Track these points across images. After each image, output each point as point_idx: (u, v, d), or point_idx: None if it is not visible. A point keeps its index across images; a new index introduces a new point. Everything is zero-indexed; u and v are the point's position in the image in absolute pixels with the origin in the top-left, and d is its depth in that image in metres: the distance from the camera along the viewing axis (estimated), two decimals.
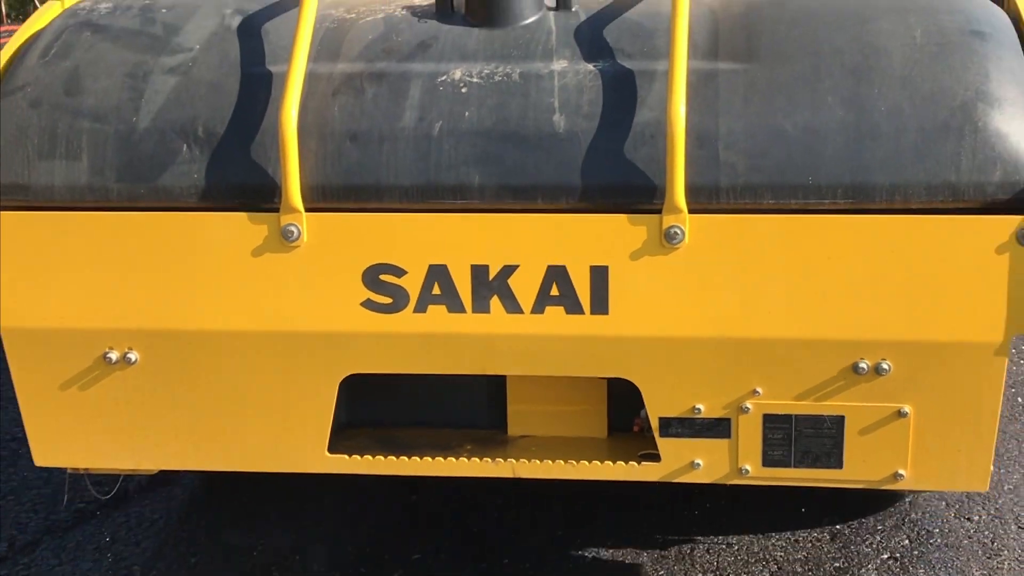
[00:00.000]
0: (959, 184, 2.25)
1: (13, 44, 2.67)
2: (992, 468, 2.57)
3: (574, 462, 2.58)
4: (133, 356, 2.56)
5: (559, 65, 2.44)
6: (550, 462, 2.58)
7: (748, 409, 2.47)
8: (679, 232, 2.33)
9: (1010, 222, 2.22)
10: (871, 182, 2.27)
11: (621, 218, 2.34)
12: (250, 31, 2.57)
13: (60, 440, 2.67)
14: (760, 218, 2.32)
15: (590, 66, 2.43)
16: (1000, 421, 2.68)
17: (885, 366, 2.38)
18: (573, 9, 2.57)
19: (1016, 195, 2.23)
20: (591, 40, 2.48)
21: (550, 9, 2.59)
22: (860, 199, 2.28)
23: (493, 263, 2.40)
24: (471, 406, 2.75)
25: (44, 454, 2.70)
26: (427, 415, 2.78)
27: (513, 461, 2.59)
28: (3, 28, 23.35)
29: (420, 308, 2.44)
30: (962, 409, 2.40)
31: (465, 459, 2.60)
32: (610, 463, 2.57)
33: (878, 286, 2.31)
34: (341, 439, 2.66)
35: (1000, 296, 2.27)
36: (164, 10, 2.66)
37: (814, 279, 2.33)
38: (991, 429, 2.42)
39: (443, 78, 2.45)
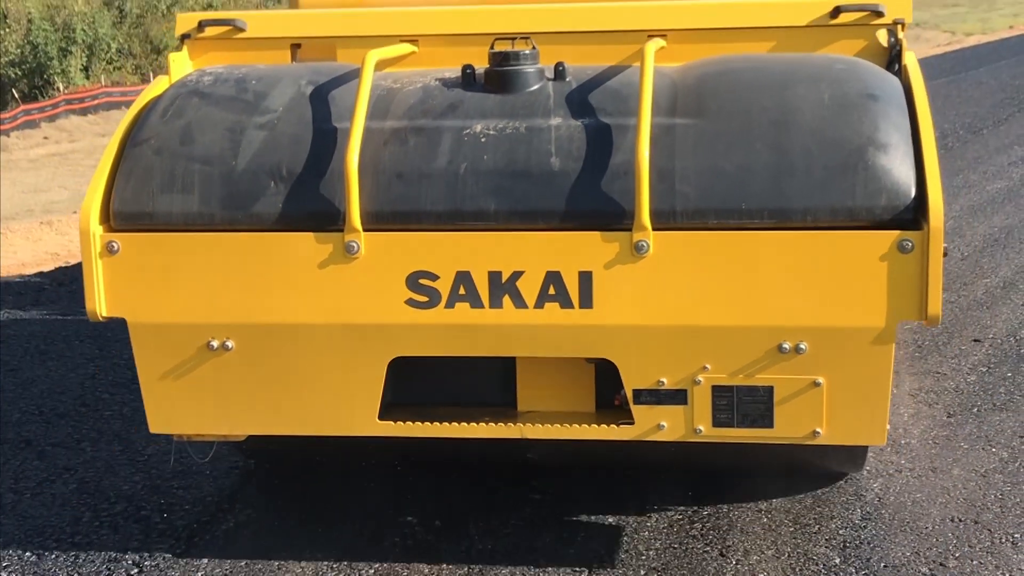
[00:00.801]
0: (854, 208, 2.94)
1: (136, 107, 3.42)
2: (888, 427, 3.22)
3: (568, 426, 3.26)
4: (230, 344, 3.24)
5: (555, 121, 3.15)
6: (550, 426, 3.27)
7: (700, 382, 3.13)
8: (645, 245, 2.99)
9: (892, 236, 2.91)
10: (789, 207, 2.96)
11: (603, 235, 3.02)
12: (320, 97, 3.31)
13: (171, 412, 3.37)
14: (707, 234, 3.00)
15: (578, 122, 3.14)
16: None
17: (803, 347, 3.05)
18: (567, 80, 3.27)
19: (896, 216, 2.92)
20: (580, 102, 3.20)
21: (549, 80, 3.28)
22: (781, 220, 2.97)
23: (505, 270, 3.08)
24: (489, 387, 3.44)
25: (158, 424, 3.40)
26: (454, 395, 3.45)
27: (521, 426, 3.28)
28: (19, 109, 23.86)
29: (449, 304, 3.11)
30: (862, 380, 3.07)
31: (484, 424, 3.28)
32: (596, 427, 3.25)
33: (796, 285, 2.99)
34: (387, 414, 3.31)
35: (886, 292, 2.95)
36: (254, 81, 3.38)
37: (747, 280, 3.01)
38: (884, 395, 3.10)
39: (467, 131, 3.16)
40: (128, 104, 25.12)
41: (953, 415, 4.54)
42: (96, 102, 28.32)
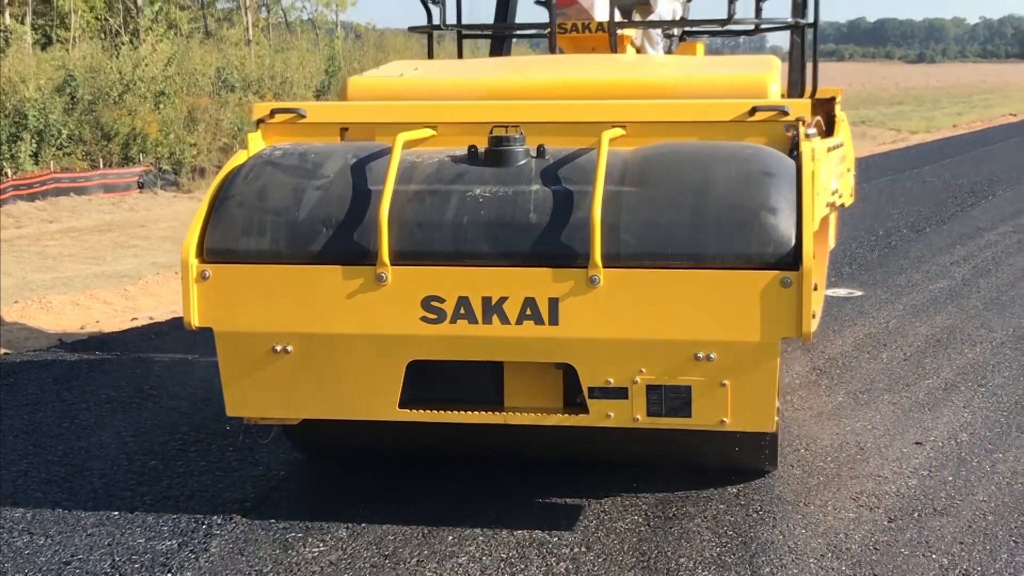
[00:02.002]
0: (750, 254, 3.96)
1: (223, 172, 4.48)
2: (777, 417, 4.22)
3: (541, 415, 4.31)
4: (289, 348, 4.24)
5: (535, 187, 4.18)
6: (527, 415, 4.31)
7: (637, 381, 4.12)
8: (597, 279, 3.99)
9: (776, 275, 3.91)
10: (703, 252, 3.98)
11: (566, 271, 4.03)
12: (361, 167, 4.35)
13: (243, 400, 4.38)
14: (643, 271, 4.00)
15: (552, 188, 4.17)
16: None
17: (712, 356, 4.04)
18: (546, 157, 4.29)
19: (779, 260, 3.94)
20: (553, 174, 4.23)
21: (533, 157, 4.30)
22: (697, 262, 3.98)
23: (494, 295, 4.08)
24: (483, 387, 4.42)
25: (234, 409, 4.40)
26: (457, 394, 4.41)
27: (506, 414, 4.32)
28: (7, 183, 23.76)
29: (453, 321, 4.11)
30: (755, 381, 4.07)
31: (479, 413, 4.32)
32: (562, 415, 4.30)
33: (708, 310, 3.98)
34: (405, 405, 4.30)
35: (772, 315, 3.94)
36: (312, 155, 4.43)
37: (673, 305, 3.99)
38: (772, 393, 4.11)
39: (469, 193, 4.18)
40: (77, 190, 25.09)
41: (894, 520, 4.55)
42: (44, 188, 28.19)
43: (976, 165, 20.03)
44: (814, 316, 5.66)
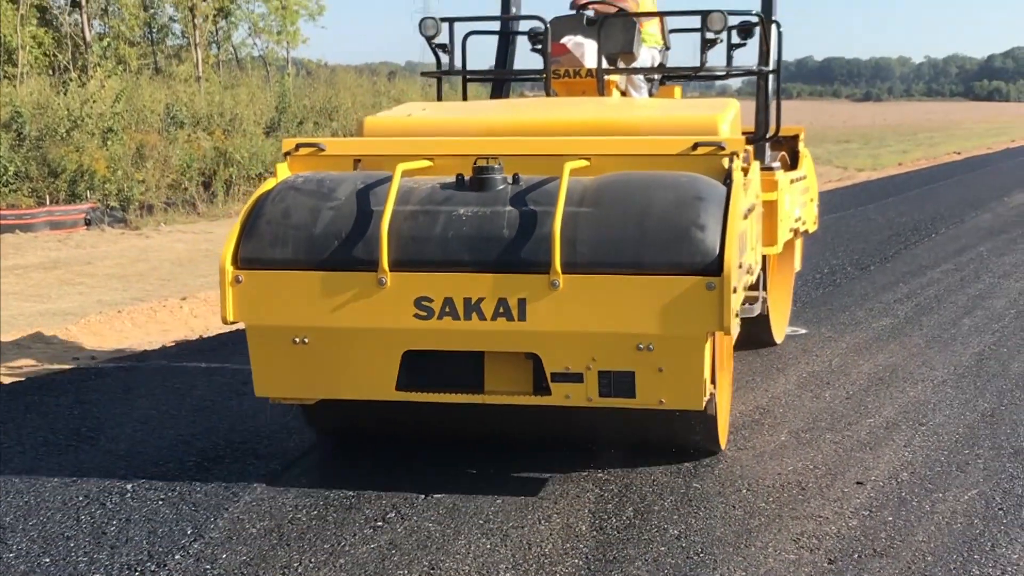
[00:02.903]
0: (682, 263, 4.82)
1: (256, 194, 5.40)
2: (705, 396, 5.04)
3: (513, 396, 5.15)
4: (307, 340, 5.13)
5: (508, 208, 5.05)
6: (502, 396, 5.17)
7: (591, 367, 4.97)
8: (558, 283, 4.85)
9: (703, 280, 4.77)
10: (644, 262, 4.85)
11: (532, 276, 4.88)
12: (368, 191, 5.21)
13: (270, 382, 5.29)
14: (595, 277, 4.86)
15: (523, 209, 5.03)
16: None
17: (652, 347, 4.87)
18: (520, 184, 5.15)
19: (705, 267, 4.79)
20: (525, 198, 5.08)
21: (509, 184, 5.17)
22: (639, 269, 4.85)
23: (474, 296, 4.94)
24: (467, 373, 5.19)
25: (262, 390, 5.32)
26: (443, 380, 5.21)
27: (485, 395, 5.18)
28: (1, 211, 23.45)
29: (440, 317, 4.97)
30: (686, 368, 4.92)
31: (463, 394, 5.18)
32: (530, 396, 5.13)
33: (648, 308, 4.82)
34: (401, 388, 5.16)
35: (699, 313, 4.78)
36: (328, 181, 5.31)
37: (619, 305, 4.85)
38: (700, 377, 4.94)
39: (455, 213, 5.06)
40: (22, 227, 24.76)
41: (834, 561, 4.55)
42: None
43: (920, 203, 20.26)
44: (767, 314, 7.75)
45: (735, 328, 5.28)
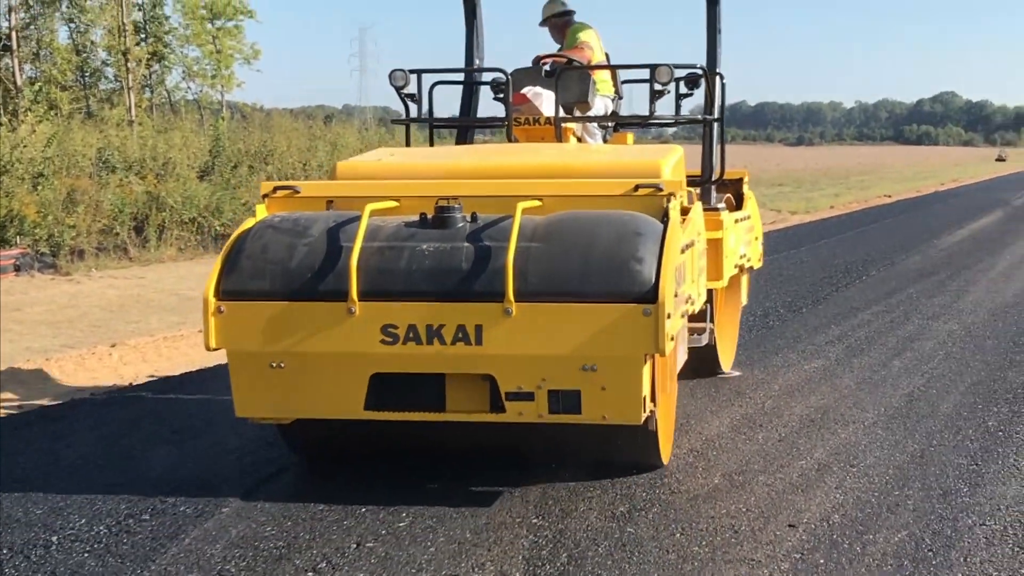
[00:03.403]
0: (621, 292, 5.35)
1: (237, 232, 5.87)
2: (645, 413, 5.51)
3: (471, 413, 5.67)
4: (283, 364, 5.61)
5: (467, 244, 5.57)
6: (462, 414, 5.69)
7: (541, 386, 5.47)
8: (511, 310, 5.35)
9: (639, 307, 5.30)
10: (588, 291, 5.37)
11: (488, 304, 5.38)
12: (338, 229, 5.71)
13: (249, 404, 5.78)
14: (544, 305, 5.38)
15: (479, 244, 5.55)
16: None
17: (595, 367, 5.39)
18: (477, 222, 5.69)
19: (641, 295, 5.32)
20: (482, 234, 5.61)
21: (468, 222, 5.69)
22: (583, 298, 5.36)
23: (434, 323, 5.42)
24: (429, 393, 5.68)
25: (241, 411, 5.80)
26: (407, 400, 5.69)
27: (447, 414, 5.70)
28: None
29: (404, 342, 5.45)
30: (626, 385, 5.44)
31: (426, 413, 5.68)
32: (487, 414, 5.64)
33: (591, 332, 5.33)
34: (369, 407, 5.64)
35: (637, 336, 5.31)
36: (302, 220, 5.83)
37: (565, 329, 5.35)
38: (639, 394, 5.45)
39: (418, 248, 5.58)
40: None
41: None
42: None
43: (852, 245, 20.54)
44: (714, 343, 8.36)
45: (682, 355, 6.49)
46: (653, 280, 5.32)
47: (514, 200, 5.70)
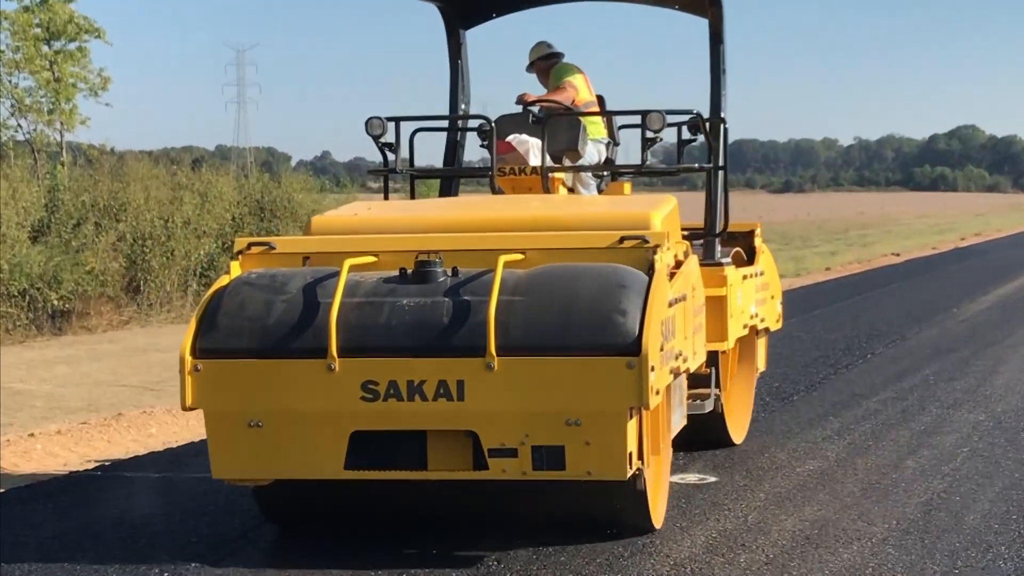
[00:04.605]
0: (605, 344, 6.47)
1: (212, 290, 6.99)
2: (628, 468, 6.48)
3: (454, 471, 6.75)
4: (261, 423, 6.65)
5: (447, 299, 6.65)
6: (445, 472, 6.74)
7: (525, 443, 6.50)
8: (493, 365, 6.41)
9: (624, 360, 6.38)
10: (571, 344, 6.49)
11: (470, 359, 6.46)
12: (316, 285, 6.79)
13: (226, 464, 6.82)
14: (527, 359, 6.48)
15: (460, 299, 6.64)
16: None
17: (579, 421, 6.43)
18: (459, 276, 6.78)
19: (626, 348, 6.42)
20: (463, 289, 6.69)
21: (448, 276, 6.80)
22: (567, 352, 6.47)
23: (415, 379, 6.49)
24: (410, 451, 6.73)
25: (219, 472, 6.86)
26: (388, 458, 6.72)
27: (429, 472, 6.74)
28: None
29: (385, 399, 6.53)
30: (611, 440, 6.50)
31: (408, 471, 6.73)
32: (470, 471, 6.71)
33: (575, 386, 6.43)
34: (349, 467, 6.68)
35: (621, 390, 6.40)
36: (279, 276, 6.93)
37: (549, 383, 6.44)
38: (623, 449, 6.48)
39: (398, 303, 6.70)
40: None
41: None
42: None
43: (852, 317, 20.72)
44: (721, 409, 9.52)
45: (679, 419, 7.97)
46: (637, 332, 6.43)
47: (496, 253, 6.78)
